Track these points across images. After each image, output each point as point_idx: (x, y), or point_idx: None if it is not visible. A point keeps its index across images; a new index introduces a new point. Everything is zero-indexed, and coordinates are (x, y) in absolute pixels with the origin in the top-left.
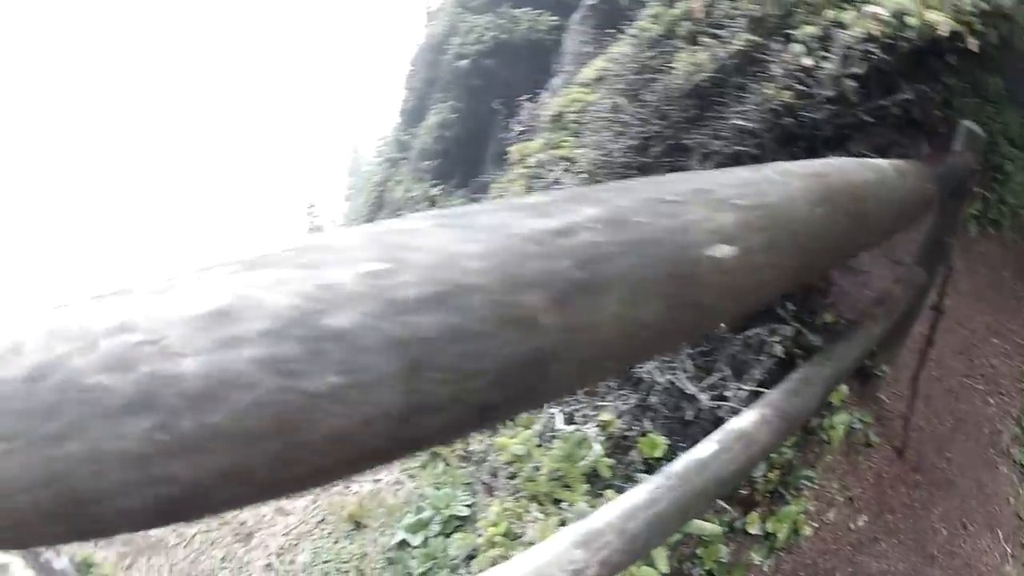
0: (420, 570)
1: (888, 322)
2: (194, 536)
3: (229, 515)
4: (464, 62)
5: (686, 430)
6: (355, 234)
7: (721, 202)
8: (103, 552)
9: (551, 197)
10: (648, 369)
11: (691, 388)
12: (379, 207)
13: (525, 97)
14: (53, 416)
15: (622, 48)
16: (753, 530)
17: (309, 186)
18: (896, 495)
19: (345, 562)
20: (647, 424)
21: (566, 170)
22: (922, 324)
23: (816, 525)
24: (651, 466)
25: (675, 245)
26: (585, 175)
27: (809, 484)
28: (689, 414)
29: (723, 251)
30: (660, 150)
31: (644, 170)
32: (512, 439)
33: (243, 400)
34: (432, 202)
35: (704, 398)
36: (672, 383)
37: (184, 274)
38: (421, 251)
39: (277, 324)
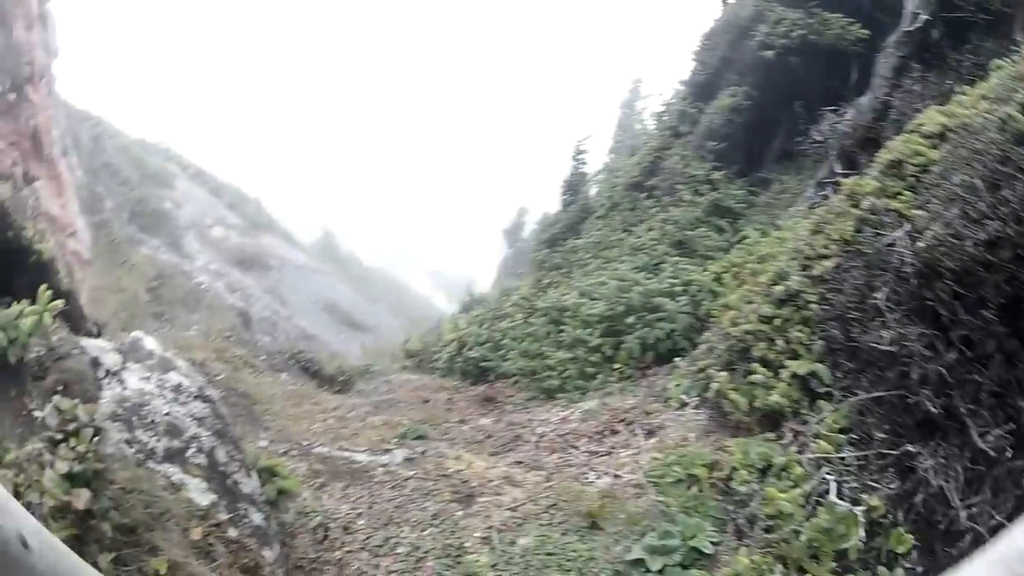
0: None
1: None
2: (407, 479)
3: (452, 470)
4: (769, 53)
5: (933, 536)
6: None
7: None
8: (293, 464)
9: None
10: (926, 466)
11: (956, 501)
12: (652, 172)
13: (829, 108)
14: None
15: (971, 114)
16: None
17: (576, 134)
18: None
19: (569, 560)
20: (900, 516)
21: (906, 233)
22: None
23: None
24: (892, 559)
25: None
26: (925, 250)
27: None
28: (942, 525)
29: None
30: (1008, 256)
31: (990, 270)
32: (782, 493)
33: None
34: (713, 186)
35: (963, 515)
36: (941, 488)
37: None
38: None
39: None
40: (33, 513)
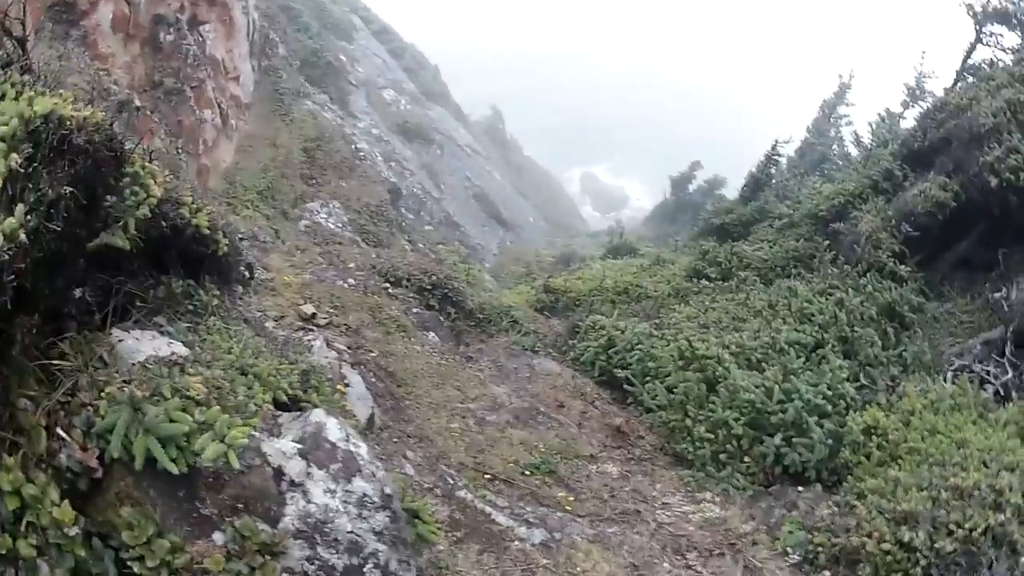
0: None
1: None
2: (538, 568)
3: (580, 569)
4: (993, 179)
5: None
6: None
7: None
8: (435, 504)
9: None
10: None
11: None
12: (840, 217)
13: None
14: None
15: None
16: None
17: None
18: None
19: None
20: None
21: None
22: None
23: None
24: None
25: None
26: None
27: None
28: None
29: None
30: None
31: None
32: None
33: None
34: (895, 280)
35: None
36: None
37: None
38: None
39: None
40: None
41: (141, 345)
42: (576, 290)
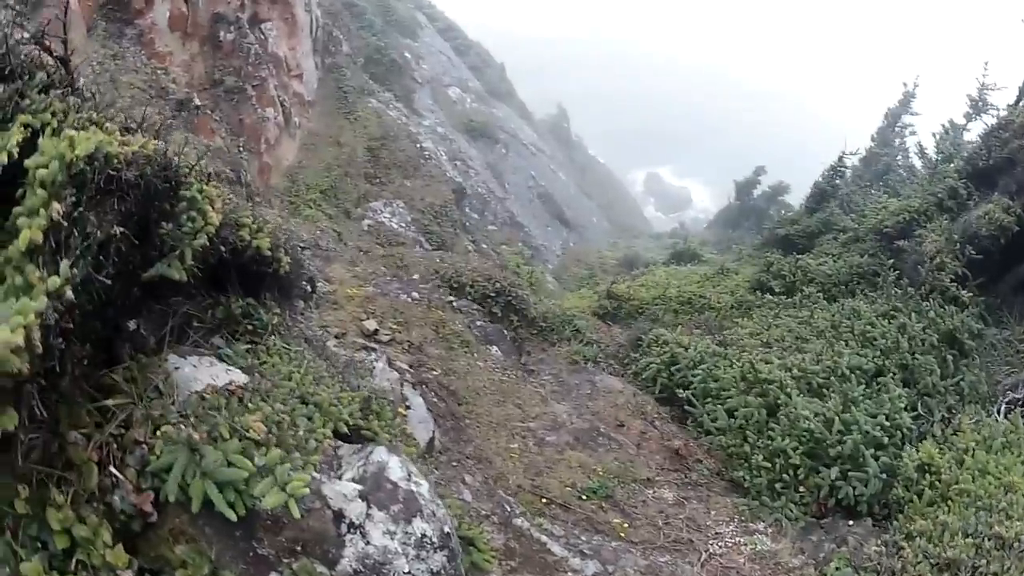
0: None
1: None
2: (612, 575)
3: None
4: None
5: None
6: None
7: None
8: (491, 531)
9: None
10: None
11: None
12: (904, 235)
13: None
14: None
15: None
16: None
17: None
18: None
19: None
20: None
21: None
22: None
23: None
24: None
25: None
26: None
27: None
28: None
29: None
30: None
31: None
32: None
33: None
34: (957, 304)
35: None
36: None
37: None
38: None
39: None
40: None
41: (198, 373)
42: (639, 298)
